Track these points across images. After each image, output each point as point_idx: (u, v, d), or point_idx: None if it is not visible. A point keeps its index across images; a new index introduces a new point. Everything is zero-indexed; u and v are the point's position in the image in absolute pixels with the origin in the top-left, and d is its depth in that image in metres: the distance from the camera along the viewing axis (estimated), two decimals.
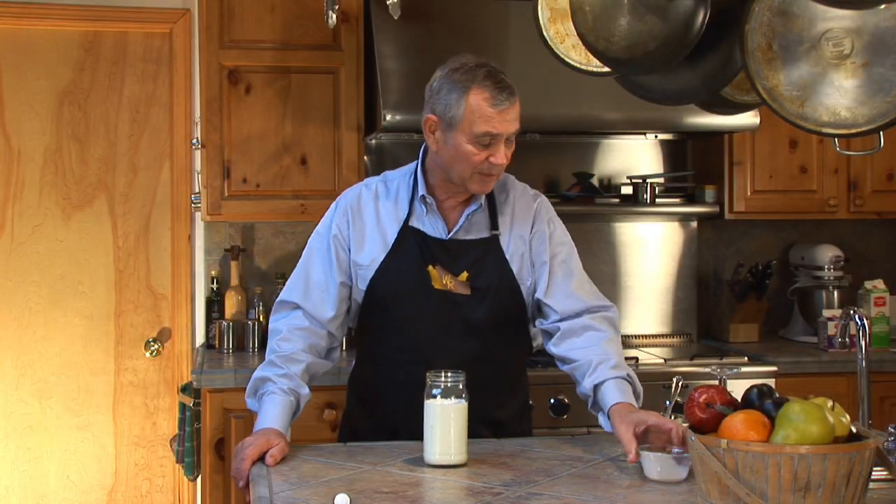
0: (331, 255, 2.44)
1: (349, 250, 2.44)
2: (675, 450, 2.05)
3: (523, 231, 2.47)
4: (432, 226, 2.44)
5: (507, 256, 2.44)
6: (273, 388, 2.31)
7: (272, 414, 2.28)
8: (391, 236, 2.43)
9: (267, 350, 2.44)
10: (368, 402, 2.55)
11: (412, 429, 2.28)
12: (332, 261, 2.44)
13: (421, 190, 2.43)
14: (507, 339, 2.48)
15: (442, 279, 2.40)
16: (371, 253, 2.43)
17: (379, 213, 2.45)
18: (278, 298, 2.50)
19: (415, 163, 2.49)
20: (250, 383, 2.38)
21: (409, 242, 2.41)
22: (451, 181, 2.39)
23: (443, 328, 2.39)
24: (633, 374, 2.40)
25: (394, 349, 2.44)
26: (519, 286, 2.44)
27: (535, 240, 2.47)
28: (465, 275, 2.41)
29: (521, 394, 2.60)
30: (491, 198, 2.48)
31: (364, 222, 2.45)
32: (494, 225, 2.46)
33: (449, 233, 2.44)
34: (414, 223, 2.43)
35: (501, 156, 2.32)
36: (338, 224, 2.45)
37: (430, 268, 2.40)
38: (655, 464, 2.05)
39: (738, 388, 1.91)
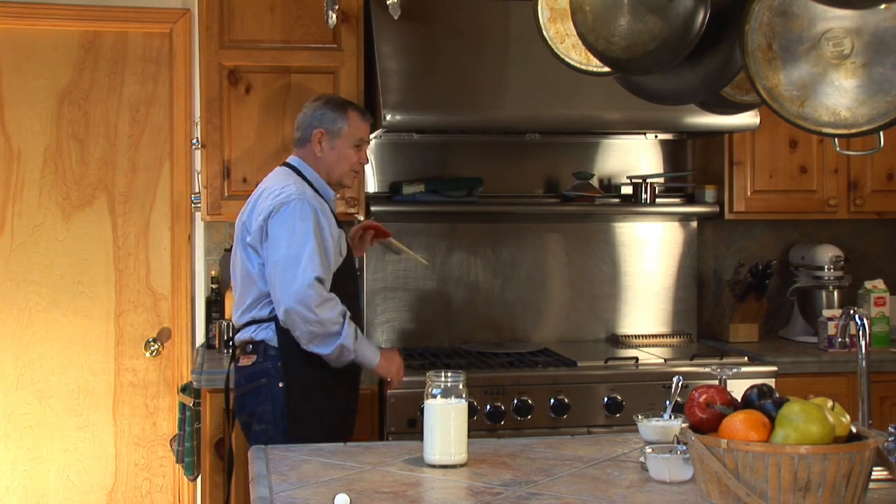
0: (326, 238, 3.02)
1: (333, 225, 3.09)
2: (681, 449, 2.05)
3: None
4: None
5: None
6: (358, 334, 3.04)
7: (371, 348, 3.10)
8: (335, 223, 3.12)
9: (328, 315, 2.93)
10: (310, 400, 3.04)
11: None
12: (333, 242, 3.05)
13: (331, 192, 3.18)
14: None
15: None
16: (333, 234, 3.06)
17: (324, 212, 3.09)
18: (314, 276, 2.92)
19: (295, 176, 3.14)
20: (350, 340, 2.97)
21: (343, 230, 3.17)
22: (334, 181, 3.19)
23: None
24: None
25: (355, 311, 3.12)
26: None
27: None
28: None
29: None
30: None
31: (325, 219, 3.07)
32: None
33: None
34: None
35: (365, 156, 3.23)
36: (323, 219, 3.03)
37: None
38: (662, 464, 2.05)
39: (738, 388, 1.91)
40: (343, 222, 3.24)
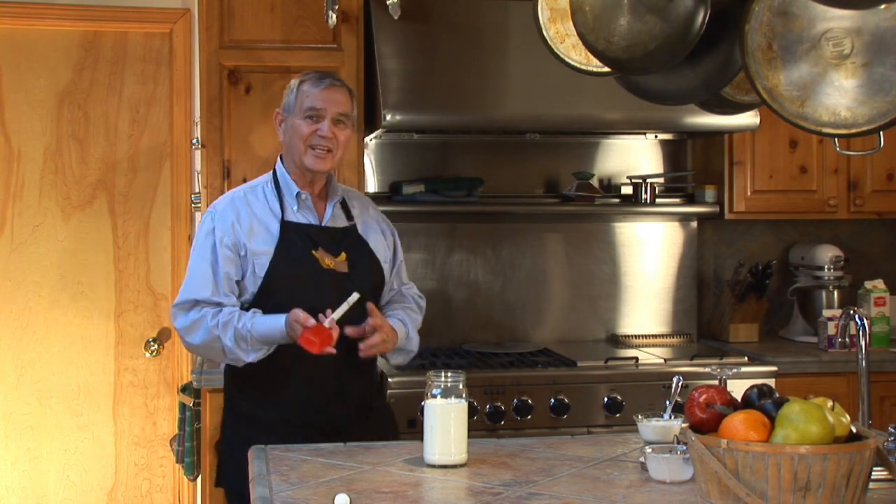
0: (217, 254, 2.73)
1: (239, 244, 2.74)
2: (681, 449, 2.05)
3: (375, 225, 2.95)
4: (305, 217, 2.81)
5: (368, 241, 2.88)
6: (245, 322, 2.66)
7: (266, 320, 2.67)
8: (275, 229, 2.76)
9: (201, 339, 2.70)
10: (266, 392, 2.77)
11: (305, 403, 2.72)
12: (220, 257, 2.73)
13: (293, 189, 2.80)
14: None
15: (324, 260, 2.77)
16: (262, 243, 2.75)
17: (255, 211, 2.79)
18: (175, 302, 2.75)
19: (269, 172, 2.87)
20: (236, 351, 2.67)
21: (292, 233, 2.77)
22: (298, 166, 2.79)
23: (335, 299, 2.65)
24: (415, 342, 2.95)
25: None
26: (381, 266, 2.89)
27: (386, 236, 2.98)
28: (343, 255, 2.80)
29: (375, 366, 2.98)
30: (342, 197, 2.93)
31: (245, 219, 2.77)
32: (350, 217, 2.90)
33: (321, 222, 2.83)
34: (290, 218, 2.79)
35: (326, 129, 2.74)
36: (220, 227, 2.75)
37: (314, 252, 2.76)
38: (662, 464, 2.05)
39: (738, 388, 1.91)
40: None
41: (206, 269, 2.74)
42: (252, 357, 2.69)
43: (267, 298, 2.74)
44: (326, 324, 2.58)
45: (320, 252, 2.77)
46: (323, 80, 2.79)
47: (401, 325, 2.87)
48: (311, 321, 2.58)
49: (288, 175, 2.83)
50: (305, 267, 2.74)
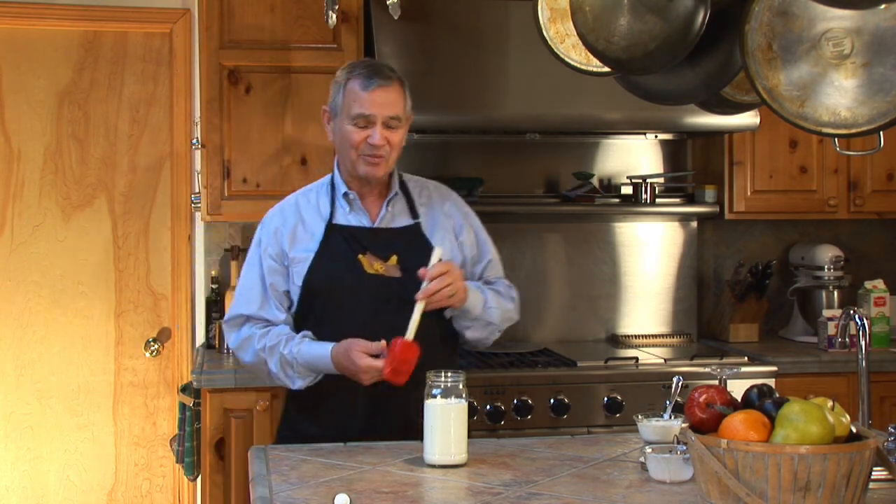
0: (262, 266, 2.63)
1: (282, 253, 2.62)
2: (681, 449, 2.05)
3: (446, 222, 2.70)
4: (357, 219, 2.64)
5: (431, 241, 2.63)
6: (292, 348, 2.53)
7: (315, 347, 2.52)
8: (319, 234, 2.61)
9: (250, 360, 2.63)
10: (310, 401, 2.63)
11: (362, 425, 2.50)
12: (265, 269, 2.63)
13: (342, 189, 2.64)
14: (439, 319, 2.60)
15: (373, 265, 2.57)
16: (303, 251, 2.60)
17: (302, 216, 2.66)
18: (225, 318, 2.67)
19: (329, 175, 2.71)
20: (281, 377, 2.56)
21: (336, 237, 2.61)
22: (350, 171, 2.62)
23: (383, 309, 2.52)
24: (494, 312, 2.66)
25: (338, 334, 2.52)
26: None
27: (460, 233, 2.71)
28: (394, 258, 2.58)
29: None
30: (407, 191, 2.71)
31: (290, 224, 2.64)
32: (415, 214, 2.68)
33: (373, 223, 2.65)
34: (338, 220, 2.64)
35: (378, 136, 2.53)
36: (265, 237, 2.66)
37: (360, 256, 2.58)
38: (662, 464, 2.05)
39: (738, 388, 1.91)
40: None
41: (253, 282, 2.63)
42: (299, 384, 2.56)
43: (308, 309, 2.62)
44: (408, 336, 2.36)
45: (368, 256, 2.58)
46: (371, 79, 2.54)
47: (477, 291, 2.62)
48: (367, 360, 2.40)
49: (340, 175, 2.67)
50: (346, 273, 2.56)
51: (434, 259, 2.43)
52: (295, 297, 2.62)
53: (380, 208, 2.66)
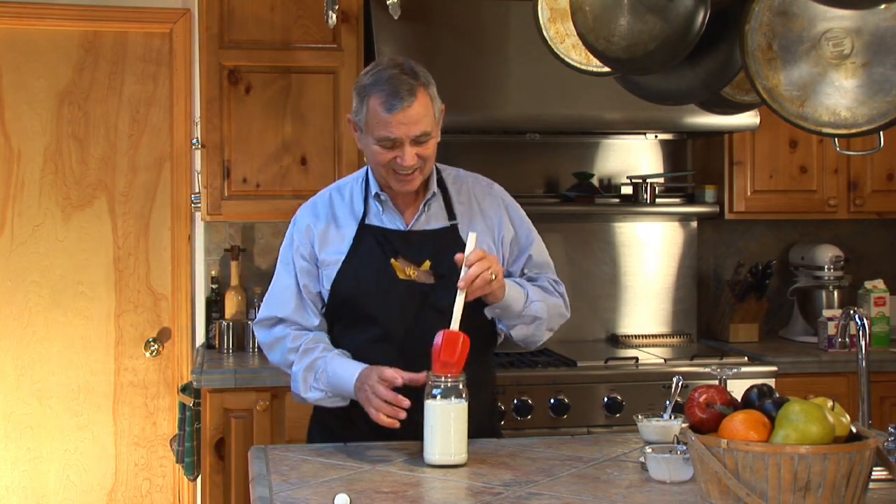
0: (296, 266, 2.50)
1: (313, 254, 2.50)
2: (681, 449, 2.05)
3: (488, 222, 2.54)
4: (391, 221, 2.49)
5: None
6: (325, 357, 2.41)
7: (347, 364, 2.37)
8: (350, 235, 2.48)
9: (278, 360, 2.53)
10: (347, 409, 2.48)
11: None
12: (298, 270, 2.50)
13: (374, 188, 2.48)
14: (475, 326, 2.39)
15: (405, 270, 2.43)
16: (333, 253, 2.47)
17: (335, 213, 2.51)
18: (257, 319, 2.56)
19: (366, 167, 2.54)
20: (299, 380, 2.44)
21: (368, 239, 2.46)
22: (383, 184, 2.46)
23: (413, 317, 2.41)
24: (538, 306, 2.49)
25: (368, 341, 2.44)
26: None
27: (498, 231, 2.55)
28: (427, 264, 2.43)
29: (488, 388, 2.64)
30: (445, 189, 2.54)
31: (322, 223, 2.50)
32: (452, 215, 2.52)
33: (407, 226, 2.49)
34: (371, 221, 2.49)
35: (407, 157, 2.35)
36: (298, 236, 2.52)
37: (393, 261, 2.44)
38: (662, 464, 2.05)
39: (738, 388, 1.91)
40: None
41: (287, 283, 2.51)
42: (311, 395, 2.43)
43: (335, 316, 2.51)
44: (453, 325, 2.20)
45: (400, 261, 2.43)
46: (393, 102, 2.32)
47: (516, 285, 2.45)
48: (383, 391, 2.24)
49: (373, 177, 2.49)
50: (377, 279, 2.43)
51: (470, 245, 2.27)
52: (324, 299, 2.52)
53: (415, 209, 2.50)
